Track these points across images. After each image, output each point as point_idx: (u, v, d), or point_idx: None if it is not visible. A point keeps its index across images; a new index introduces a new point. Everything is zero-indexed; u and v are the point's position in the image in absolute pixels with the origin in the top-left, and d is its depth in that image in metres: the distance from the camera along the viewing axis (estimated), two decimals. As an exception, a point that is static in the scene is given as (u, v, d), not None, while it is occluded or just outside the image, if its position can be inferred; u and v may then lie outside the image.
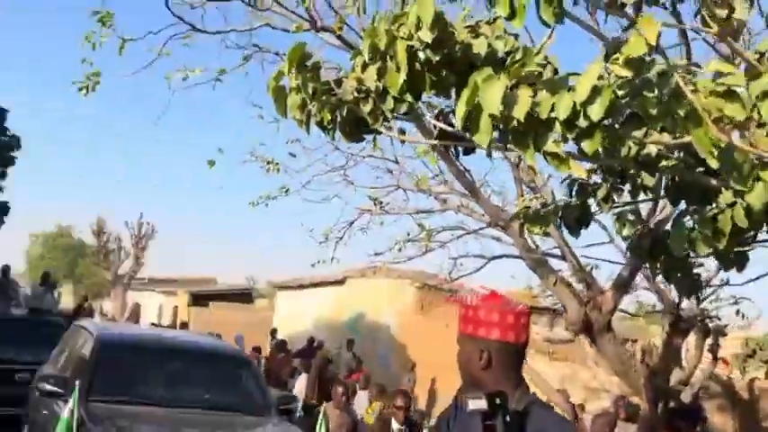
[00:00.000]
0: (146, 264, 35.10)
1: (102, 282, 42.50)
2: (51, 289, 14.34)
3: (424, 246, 7.17)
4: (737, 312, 6.98)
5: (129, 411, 5.66)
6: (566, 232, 5.11)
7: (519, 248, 5.67)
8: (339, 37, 4.56)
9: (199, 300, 29.54)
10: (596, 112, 1.97)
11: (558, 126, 2.07)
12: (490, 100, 2.04)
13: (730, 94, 1.84)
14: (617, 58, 1.93)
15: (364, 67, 2.58)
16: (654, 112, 1.96)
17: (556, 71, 2.48)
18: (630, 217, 3.64)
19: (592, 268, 5.66)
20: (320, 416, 6.89)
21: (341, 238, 6.95)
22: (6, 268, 14.14)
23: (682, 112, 1.82)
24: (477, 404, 2.00)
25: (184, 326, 20.65)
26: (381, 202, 6.76)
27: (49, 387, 5.85)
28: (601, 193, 3.17)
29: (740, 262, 2.95)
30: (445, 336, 14.52)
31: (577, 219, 3.21)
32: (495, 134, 2.19)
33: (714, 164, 1.85)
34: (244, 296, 31.94)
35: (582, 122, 2.04)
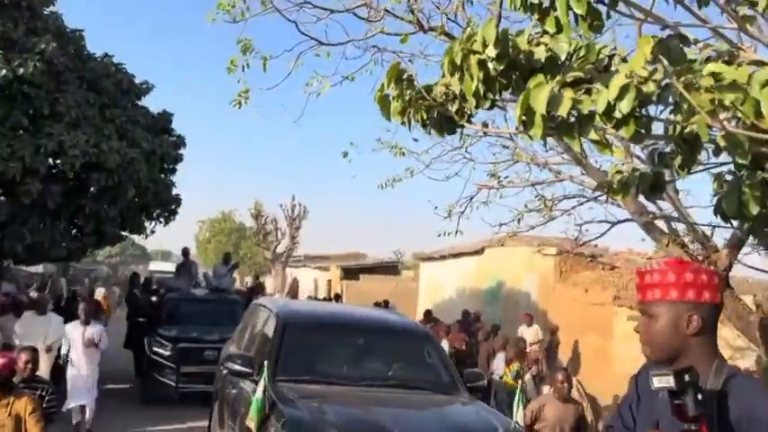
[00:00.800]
0: (300, 242, 37.27)
1: (262, 261, 46.01)
2: (233, 269, 14.73)
3: (546, 215, 7.55)
4: None
5: (317, 391, 5.48)
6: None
7: (631, 212, 5.97)
8: (445, 34, 5.15)
9: (349, 273, 31.39)
10: (625, 106, 2.45)
11: (598, 118, 2.57)
12: (539, 102, 2.58)
13: (733, 86, 2.26)
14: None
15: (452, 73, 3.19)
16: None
17: (624, 59, 2.94)
18: (728, 177, 3.96)
19: (706, 231, 5.83)
20: (518, 392, 6.45)
21: (462, 212, 7.47)
22: (186, 250, 15.07)
23: (685, 106, 2.27)
24: (664, 381, 1.85)
25: (338, 297, 22.33)
26: (500, 177, 7.22)
27: (236, 367, 5.83)
28: (677, 162, 3.56)
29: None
30: (585, 300, 14.73)
31: (652, 186, 3.63)
32: (551, 125, 2.73)
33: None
34: (390, 268, 33.38)
35: (617, 114, 2.53)
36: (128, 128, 12.09)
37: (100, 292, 19.78)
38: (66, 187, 10.77)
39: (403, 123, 3.41)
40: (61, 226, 11.34)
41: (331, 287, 32.00)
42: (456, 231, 7.59)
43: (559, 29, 2.66)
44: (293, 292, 25.20)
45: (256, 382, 5.38)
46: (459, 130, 3.27)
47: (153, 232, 14.31)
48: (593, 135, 2.62)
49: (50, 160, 10.36)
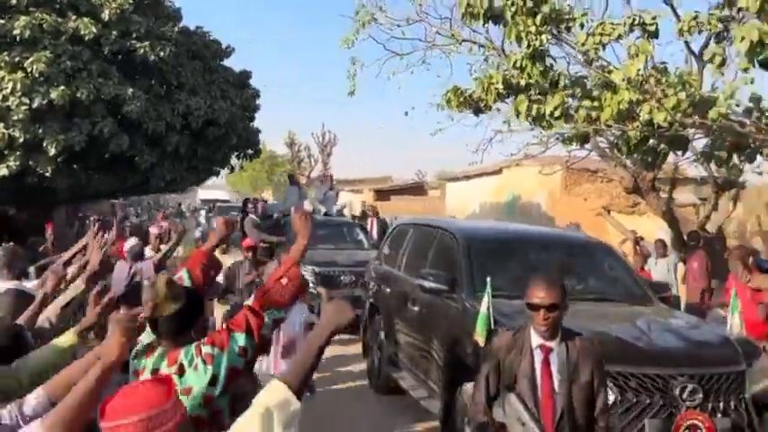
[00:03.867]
0: (332, 168, 40.74)
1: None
2: (332, 191, 15.59)
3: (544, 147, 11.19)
4: None
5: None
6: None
7: (594, 148, 9.61)
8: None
9: (381, 195, 35.20)
10: (557, 111, 6.13)
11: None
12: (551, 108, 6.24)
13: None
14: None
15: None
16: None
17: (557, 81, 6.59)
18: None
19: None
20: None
21: (485, 150, 11.01)
22: (293, 176, 16.08)
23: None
24: None
25: (377, 214, 26.23)
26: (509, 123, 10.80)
27: (431, 284, 5.77)
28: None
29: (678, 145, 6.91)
30: (584, 207, 18.57)
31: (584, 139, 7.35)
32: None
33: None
34: (417, 189, 37.18)
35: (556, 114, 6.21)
36: (224, 87, 15.70)
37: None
38: (191, 138, 14.54)
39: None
40: (183, 166, 15.18)
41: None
42: (480, 161, 11.21)
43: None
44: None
45: (452, 299, 5.65)
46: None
47: (242, 168, 18.03)
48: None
49: (181, 119, 14.06)
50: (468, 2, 7.35)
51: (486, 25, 7.50)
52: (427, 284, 5.85)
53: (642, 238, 10.11)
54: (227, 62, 17.16)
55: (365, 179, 40.74)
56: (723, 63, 6.46)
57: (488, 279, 5.00)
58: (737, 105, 6.64)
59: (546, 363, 3.11)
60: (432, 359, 5.91)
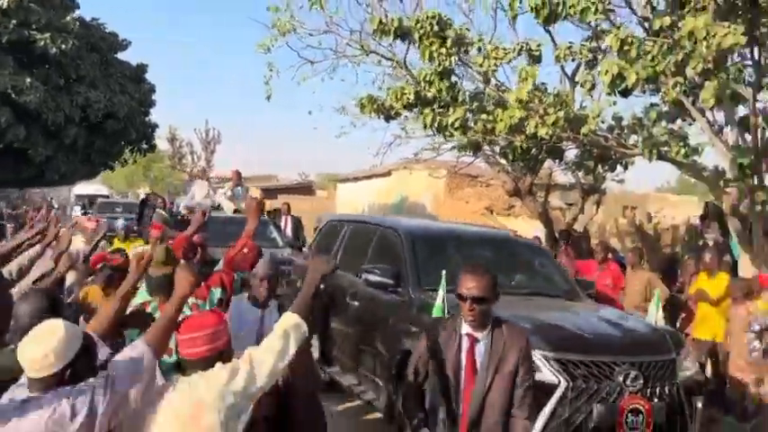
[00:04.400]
0: (215, 165, 40.27)
1: (177, 183, 48.98)
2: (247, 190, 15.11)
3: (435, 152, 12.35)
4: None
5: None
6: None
7: (482, 155, 10.83)
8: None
9: (268, 193, 35.45)
10: (458, 122, 7.17)
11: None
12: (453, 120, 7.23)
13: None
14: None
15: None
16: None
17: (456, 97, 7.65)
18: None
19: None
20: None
21: (385, 153, 11.95)
22: (203, 170, 15.63)
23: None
24: None
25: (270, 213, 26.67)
26: (406, 129, 11.82)
27: (377, 278, 5.81)
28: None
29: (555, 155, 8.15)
30: (466, 209, 20.09)
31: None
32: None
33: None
34: (305, 189, 37.78)
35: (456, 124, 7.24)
36: (122, 81, 15.69)
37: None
38: (89, 131, 14.47)
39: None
40: (79, 158, 15.05)
41: (254, 206, 35.99)
42: (380, 163, 12.17)
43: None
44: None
45: (397, 293, 5.74)
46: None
47: (135, 162, 17.96)
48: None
49: (80, 111, 13.99)
50: (380, 20, 8.26)
51: (391, 40, 8.40)
52: (373, 278, 5.87)
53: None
54: (122, 55, 17.09)
55: (251, 177, 40.81)
56: (592, 87, 7.78)
57: (443, 272, 5.12)
58: (603, 123, 8.00)
59: (471, 352, 3.14)
60: (375, 353, 5.89)
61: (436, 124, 7.19)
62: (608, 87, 6.22)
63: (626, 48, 5.96)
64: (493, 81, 7.73)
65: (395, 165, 23.61)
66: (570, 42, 8.23)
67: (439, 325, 3.33)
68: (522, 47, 7.90)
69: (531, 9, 6.55)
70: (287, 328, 2.59)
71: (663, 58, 5.99)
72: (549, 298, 6.08)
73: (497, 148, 8.93)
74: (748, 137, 7.86)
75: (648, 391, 4.68)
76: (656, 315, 6.23)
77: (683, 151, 7.73)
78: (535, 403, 4.09)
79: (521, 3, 8.03)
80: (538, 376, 4.34)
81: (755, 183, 7.65)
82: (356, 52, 9.97)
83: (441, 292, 5.02)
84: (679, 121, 8.48)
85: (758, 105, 7.73)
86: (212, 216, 11.05)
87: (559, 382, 4.55)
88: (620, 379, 4.62)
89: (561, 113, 6.93)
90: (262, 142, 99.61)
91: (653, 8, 6.50)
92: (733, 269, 8.31)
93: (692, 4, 6.22)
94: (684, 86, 6.48)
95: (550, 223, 10.69)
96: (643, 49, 6.01)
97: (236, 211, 13.39)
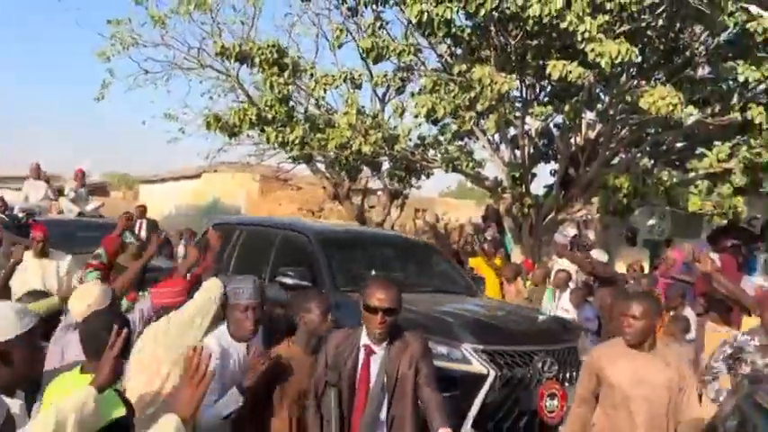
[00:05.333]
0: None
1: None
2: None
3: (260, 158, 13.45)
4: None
5: None
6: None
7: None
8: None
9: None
10: (297, 139, 8.45)
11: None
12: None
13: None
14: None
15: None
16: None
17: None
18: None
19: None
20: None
21: (214, 157, 12.79)
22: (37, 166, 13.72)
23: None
24: None
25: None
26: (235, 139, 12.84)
27: (292, 281, 5.58)
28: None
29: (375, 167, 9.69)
30: (280, 211, 21.32)
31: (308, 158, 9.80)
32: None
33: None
34: (99, 189, 36.19)
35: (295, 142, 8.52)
36: None
37: None
38: None
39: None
40: None
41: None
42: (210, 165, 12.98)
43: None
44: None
45: None
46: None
47: None
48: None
49: None
50: (222, 44, 9.25)
51: (232, 63, 9.45)
52: (290, 281, 5.61)
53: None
54: None
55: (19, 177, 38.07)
56: (403, 112, 9.50)
57: (373, 272, 5.31)
58: (410, 141, 9.75)
59: (367, 362, 3.12)
60: None
61: (280, 140, 8.38)
62: (424, 118, 7.91)
63: (437, 88, 7.68)
64: (322, 103, 9.12)
65: (205, 167, 24.08)
66: (386, 71, 9.89)
67: (335, 338, 3.24)
68: (346, 75, 9.37)
69: (364, 51, 8.02)
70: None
71: (461, 96, 7.80)
72: (453, 294, 6.16)
73: (327, 160, 10.35)
74: (518, 153, 10.12)
75: (562, 376, 4.94)
76: (548, 306, 6.80)
77: (470, 164, 9.77)
78: (467, 393, 4.51)
79: (345, 36, 9.55)
80: (468, 368, 4.65)
81: (524, 190, 9.89)
82: (192, 65, 10.78)
83: None
84: (465, 139, 10.57)
85: (526, 128, 9.99)
86: (59, 219, 10.70)
87: (488, 372, 4.74)
88: (539, 366, 4.87)
89: (380, 134, 8.51)
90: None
91: (451, 55, 8.32)
92: (507, 259, 10.53)
93: (480, 54, 8.13)
94: (474, 117, 8.37)
95: (365, 224, 12.32)
96: (447, 88, 7.77)
97: (80, 213, 12.16)
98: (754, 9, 7.06)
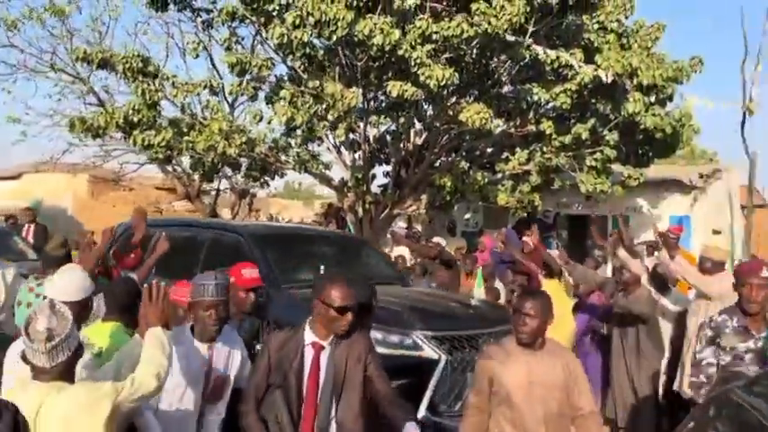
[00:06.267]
0: None
1: None
2: None
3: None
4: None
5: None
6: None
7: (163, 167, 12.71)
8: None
9: None
10: (163, 142, 9.20)
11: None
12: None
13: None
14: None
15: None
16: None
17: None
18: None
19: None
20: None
21: (59, 158, 12.89)
22: None
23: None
24: None
25: None
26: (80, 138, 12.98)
27: None
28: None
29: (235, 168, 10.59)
30: (113, 212, 21.14)
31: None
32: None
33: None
34: None
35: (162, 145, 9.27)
36: None
37: None
38: None
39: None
40: None
41: None
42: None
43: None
44: None
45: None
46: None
47: None
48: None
49: None
50: (84, 50, 9.71)
51: (94, 69, 9.93)
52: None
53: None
54: None
55: None
56: (261, 119, 10.54)
57: (321, 267, 5.28)
58: (265, 143, 10.81)
59: (316, 360, 3.07)
60: None
61: (146, 143, 9.04)
62: (284, 126, 9.05)
63: (294, 99, 8.87)
64: (187, 109, 9.91)
65: (25, 167, 22.91)
66: (240, 79, 10.84)
67: (276, 335, 3.23)
68: (206, 83, 10.23)
69: (229, 66, 8.99)
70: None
71: (314, 107, 9.05)
72: (389, 285, 6.26)
73: (185, 162, 11.04)
74: (358, 156, 11.61)
75: None
76: (477, 292, 7.18)
77: (319, 167, 11.08)
78: (420, 379, 4.61)
79: (201, 49, 10.42)
80: (420, 354, 4.78)
81: (365, 189, 11.37)
82: (42, 68, 10.96)
83: None
84: (311, 144, 11.84)
85: (368, 134, 11.48)
86: None
87: (440, 357, 4.88)
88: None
89: (244, 137, 9.52)
90: None
91: (304, 71, 9.55)
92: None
93: (331, 71, 9.47)
94: (327, 126, 9.67)
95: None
96: (302, 100, 8.99)
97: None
98: (540, 49, 9.07)
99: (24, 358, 2.50)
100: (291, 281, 5.63)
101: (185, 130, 9.62)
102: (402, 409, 3.10)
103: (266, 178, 11.51)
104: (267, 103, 10.56)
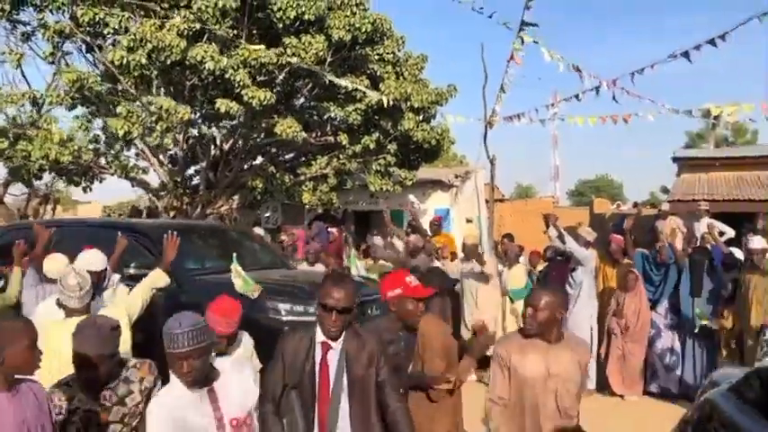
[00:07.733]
0: None
1: None
2: None
3: None
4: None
5: (218, 279, 5.94)
6: None
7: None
8: None
9: None
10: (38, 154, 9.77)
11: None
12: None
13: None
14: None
15: None
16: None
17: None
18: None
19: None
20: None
21: None
22: None
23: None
24: None
25: None
26: None
27: (135, 271, 5.91)
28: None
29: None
30: None
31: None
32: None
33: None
34: None
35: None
36: None
37: None
38: None
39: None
40: None
41: None
42: None
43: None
44: None
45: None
46: None
47: None
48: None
49: None
50: None
51: None
52: (135, 272, 5.77)
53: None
54: None
55: None
56: (87, 128, 11.31)
57: (234, 255, 5.77)
58: (90, 151, 11.60)
59: (325, 360, 3.11)
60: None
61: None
62: (121, 138, 10.14)
63: (130, 114, 10.03)
64: (15, 120, 10.45)
65: None
66: (59, 92, 11.49)
67: (290, 335, 3.23)
68: (29, 95, 10.83)
69: (69, 81, 9.82)
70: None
71: (147, 120, 10.27)
72: (277, 269, 7.06)
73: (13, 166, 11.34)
74: (175, 161, 12.86)
75: None
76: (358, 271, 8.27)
77: (138, 171, 12.18)
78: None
79: (24, 60, 10.97)
80: None
81: (183, 191, 12.66)
82: None
83: (239, 268, 5.71)
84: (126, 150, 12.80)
85: (180, 141, 12.75)
86: None
87: None
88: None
89: (75, 146, 10.42)
90: None
91: (137, 87, 10.70)
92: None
93: (159, 86, 10.73)
94: (159, 136, 10.90)
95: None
96: (137, 114, 10.18)
97: None
98: (335, 79, 11.29)
99: (59, 304, 3.86)
100: (194, 270, 6.35)
101: (12, 139, 10.22)
102: (396, 399, 3.18)
103: (87, 183, 12.23)
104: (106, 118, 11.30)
